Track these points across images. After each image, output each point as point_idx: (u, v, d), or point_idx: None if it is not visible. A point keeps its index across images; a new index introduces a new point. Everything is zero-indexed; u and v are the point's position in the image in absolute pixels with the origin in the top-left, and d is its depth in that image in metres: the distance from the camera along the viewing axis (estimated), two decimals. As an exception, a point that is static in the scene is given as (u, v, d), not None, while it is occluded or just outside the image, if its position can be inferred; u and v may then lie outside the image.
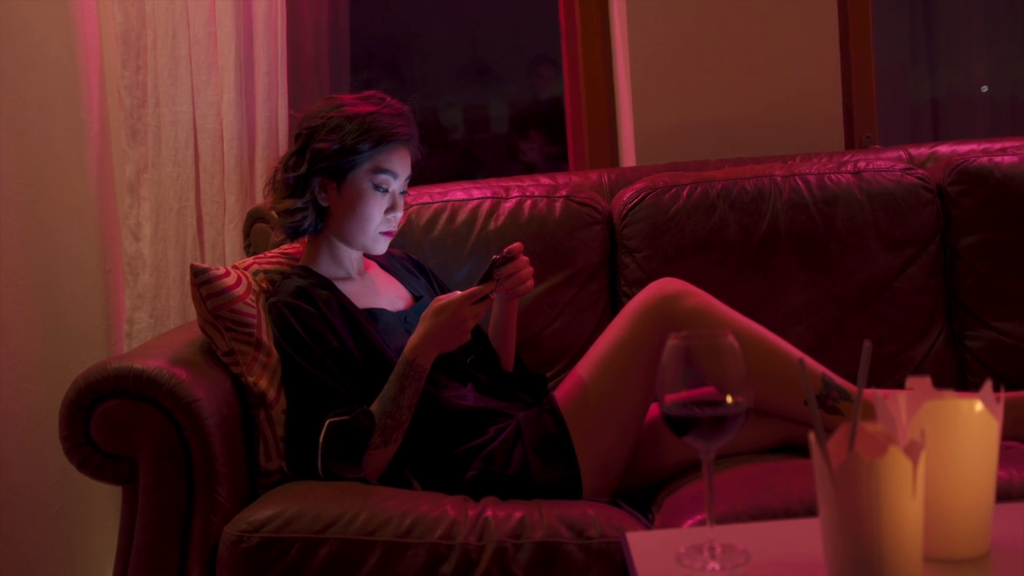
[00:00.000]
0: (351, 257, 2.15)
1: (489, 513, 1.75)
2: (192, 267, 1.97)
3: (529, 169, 4.43)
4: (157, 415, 1.80)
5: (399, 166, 2.09)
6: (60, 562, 2.52)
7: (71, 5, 2.63)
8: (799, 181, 2.42)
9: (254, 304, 1.99)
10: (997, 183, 2.37)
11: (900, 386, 2.17)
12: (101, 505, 2.66)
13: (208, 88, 2.69)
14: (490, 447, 1.93)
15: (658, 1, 2.83)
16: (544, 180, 2.56)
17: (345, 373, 1.96)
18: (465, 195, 2.50)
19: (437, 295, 2.23)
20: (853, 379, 1.85)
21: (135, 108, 2.70)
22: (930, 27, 4.23)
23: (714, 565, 1.20)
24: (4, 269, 2.35)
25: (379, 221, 2.09)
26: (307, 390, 1.95)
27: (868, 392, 1.82)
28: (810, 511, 1.60)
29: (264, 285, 2.10)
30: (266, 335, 1.98)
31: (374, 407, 1.93)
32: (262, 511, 1.76)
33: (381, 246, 2.13)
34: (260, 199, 2.72)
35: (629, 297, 2.29)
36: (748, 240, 2.37)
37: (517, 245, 2.02)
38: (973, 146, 2.50)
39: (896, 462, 1.05)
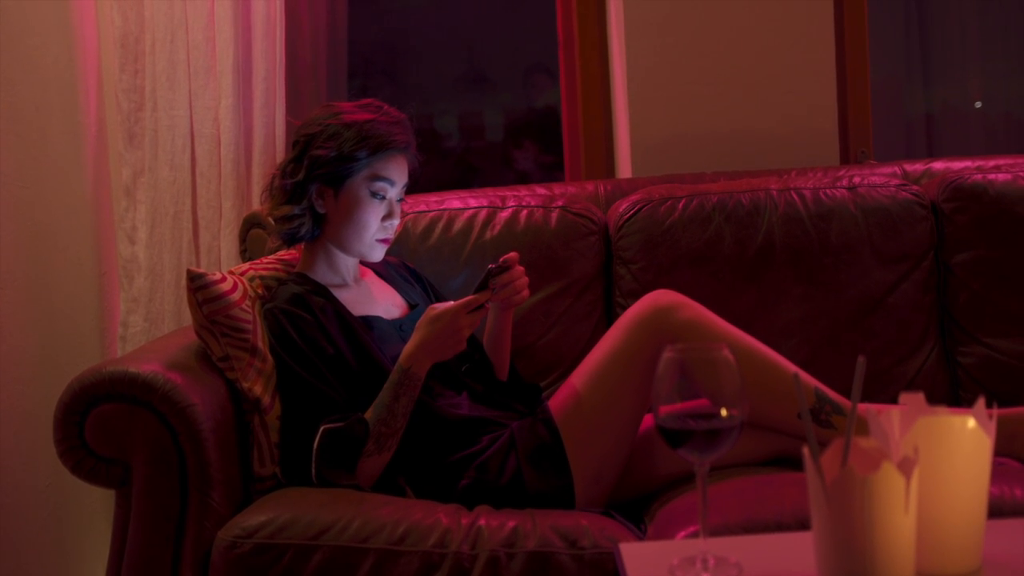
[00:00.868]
0: (347, 264, 2.15)
1: (482, 522, 1.75)
2: (188, 272, 1.97)
3: (523, 178, 4.44)
4: (152, 419, 1.80)
5: (396, 174, 2.10)
6: (52, 565, 2.52)
7: (70, 8, 2.63)
8: (794, 195, 2.43)
9: (250, 310, 1.99)
10: (991, 200, 2.38)
11: (893, 401, 2.18)
12: (94, 509, 2.66)
13: (206, 93, 2.70)
14: (483, 456, 1.94)
15: (656, 13, 2.85)
16: (540, 190, 2.57)
17: (340, 380, 1.96)
18: (461, 204, 2.50)
19: (432, 303, 2.23)
20: (846, 394, 1.86)
21: (132, 112, 2.70)
22: (925, 43, 4.25)
23: (706, 577, 1.21)
24: (0, 270, 2.35)
25: (376, 228, 2.10)
26: (302, 396, 1.95)
27: (861, 407, 1.82)
28: (803, 525, 1.60)
29: (260, 291, 2.10)
30: (261, 341, 1.98)
31: (368, 414, 1.93)
32: (256, 517, 1.76)
33: (378, 253, 2.13)
34: (256, 204, 2.72)
35: (624, 308, 2.30)
36: (743, 253, 2.38)
37: (513, 255, 2.03)
38: (968, 163, 2.52)
39: (889, 478, 1.06)
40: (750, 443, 1.96)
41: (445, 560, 1.69)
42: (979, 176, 2.41)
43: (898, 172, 2.58)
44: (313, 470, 1.90)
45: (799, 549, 1.23)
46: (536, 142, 4.56)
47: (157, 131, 2.70)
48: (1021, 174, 2.41)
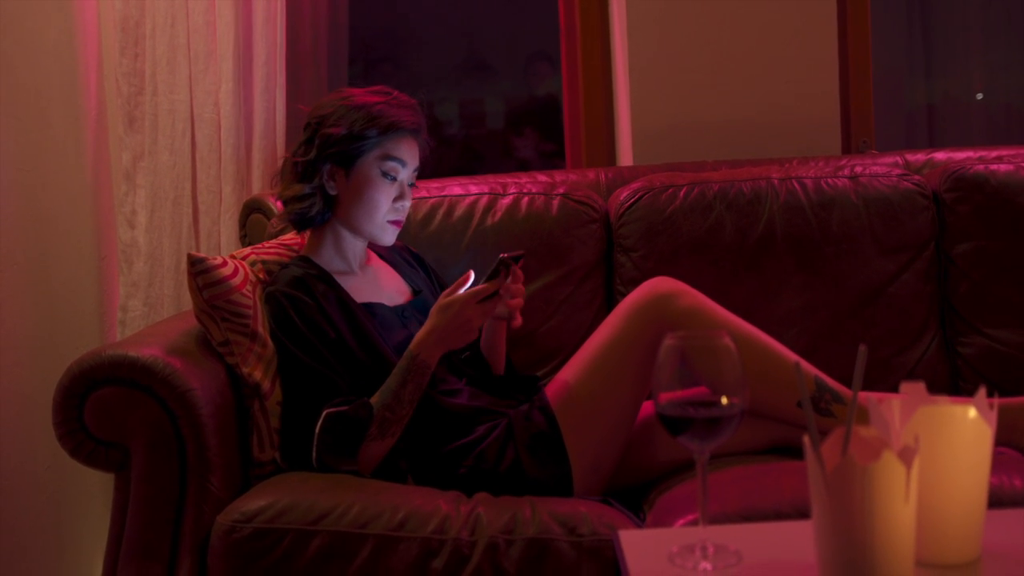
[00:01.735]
0: (355, 249, 2.15)
1: (481, 509, 1.75)
2: (189, 256, 1.96)
3: (523, 166, 4.43)
4: (151, 403, 1.79)
5: (407, 155, 2.09)
6: (51, 548, 2.52)
7: (70, -9, 2.63)
8: (796, 184, 2.42)
9: (251, 295, 1.99)
10: (993, 191, 2.38)
11: (893, 390, 2.18)
12: (92, 492, 2.66)
13: (206, 77, 2.69)
14: (481, 445, 1.94)
15: (658, 1, 2.84)
16: (541, 177, 2.56)
17: (342, 365, 1.96)
18: (462, 191, 2.50)
19: (435, 289, 2.23)
20: (846, 383, 1.86)
21: (132, 96, 2.70)
22: (927, 33, 4.24)
23: (706, 565, 1.21)
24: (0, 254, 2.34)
25: (387, 209, 2.09)
26: (303, 381, 1.95)
27: (862, 395, 1.82)
28: (801, 513, 1.60)
29: (262, 276, 2.10)
30: (261, 326, 1.97)
31: (374, 399, 1.93)
32: (255, 501, 1.76)
33: (389, 236, 2.13)
34: (256, 190, 2.71)
35: (624, 296, 2.29)
36: (744, 242, 2.37)
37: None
38: (969, 153, 2.51)
39: (890, 467, 1.06)
40: (748, 431, 1.96)
41: (444, 546, 1.69)
42: (981, 167, 2.41)
43: (900, 162, 2.57)
44: (314, 454, 1.90)
45: (799, 537, 1.24)
46: (537, 130, 4.55)
47: (157, 115, 2.70)
48: (1023, 165, 2.41)
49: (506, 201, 2.46)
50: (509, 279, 1.99)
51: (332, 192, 2.09)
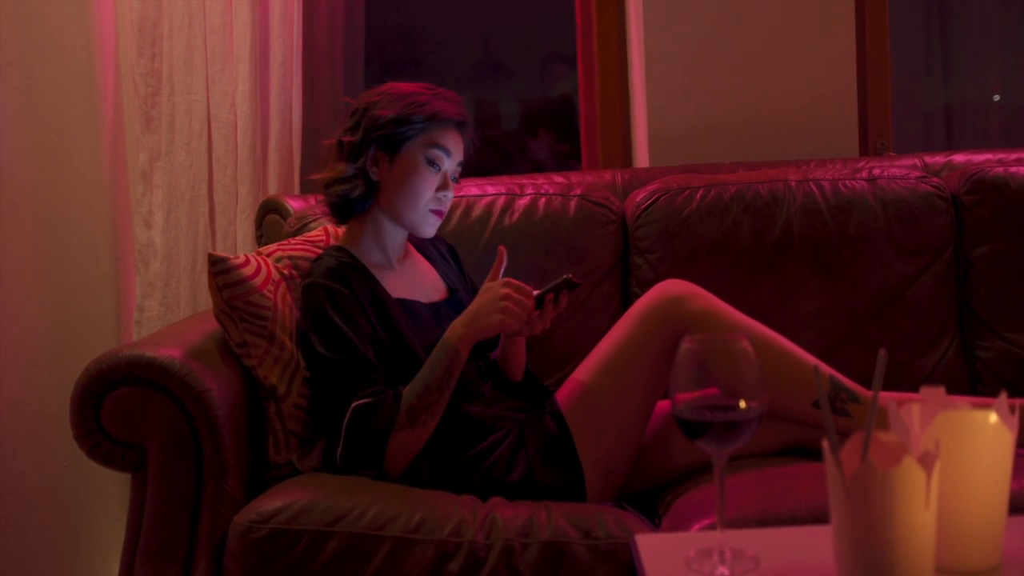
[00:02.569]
0: (394, 242, 2.12)
1: (497, 512, 1.75)
2: (209, 256, 1.95)
3: (538, 167, 4.43)
4: (168, 404, 1.80)
5: (452, 145, 2.08)
6: (66, 549, 2.53)
7: (88, -8, 2.63)
8: (813, 187, 2.42)
9: (272, 295, 1.98)
10: (1012, 193, 2.37)
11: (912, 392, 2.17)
12: (108, 492, 2.67)
13: (223, 78, 2.70)
14: (494, 454, 1.92)
15: (675, 1, 2.83)
16: (558, 178, 2.56)
17: (377, 359, 1.94)
18: (479, 191, 2.50)
19: (466, 284, 2.22)
20: (864, 385, 1.85)
21: (149, 96, 2.71)
22: (945, 35, 4.22)
23: (723, 570, 1.20)
24: (16, 254, 2.35)
25: (429, 198, 2.07)
26: (335, 376, 1.92)
27: (882, 398, 1.81)
28: (818, 518, 1.60)
29: (287, 272, 2.09)
30: (279, 328, 1.96)
31: (405, 389, 1.90)
32: (272, 502, 1.76)
33: (430, 226, 2.11)
34: (272, 190, 2.72)
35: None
36: (761, 244, 2.37)
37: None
38: (988, 155, 2.50)
39: (910, 472, 1.05)
40: (763, 432, 1.94)
41: (460, 549, 1.69)
42: (1000, 169, 2.40)
43: (918, 164, 2.56)
44: (339, 450, 1.88)
45: (817, 543, 1.23)
46: (552, 131, 4.54)
47: (174, 116, 2.70)
48: (1042, 168, 2.40)
49: (523, 201, 2.46)
50: (556, 302, 1.95)
51: (375, 178, 2.07)
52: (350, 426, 1.87)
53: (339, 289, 1.96)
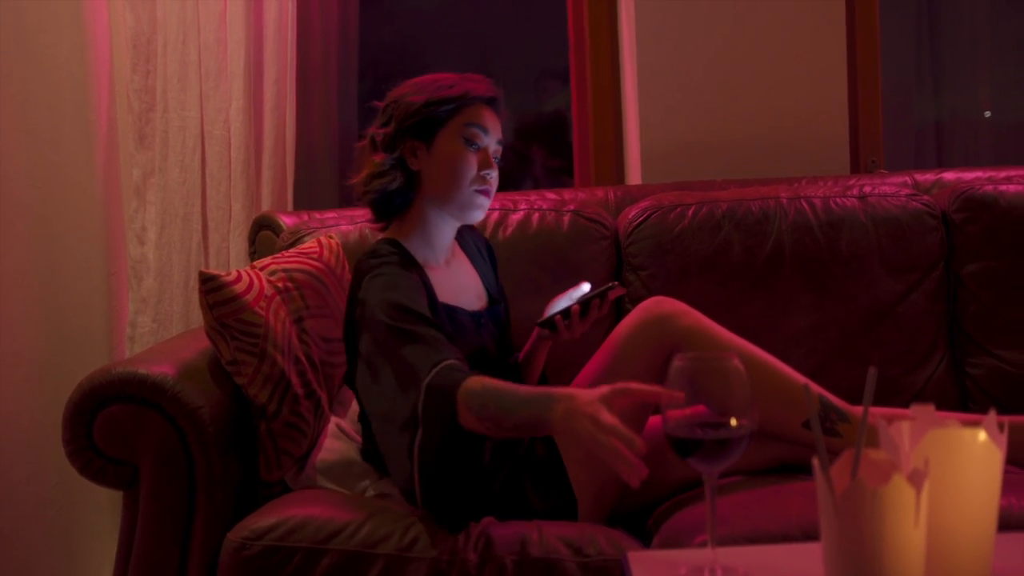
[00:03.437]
0: (443, 237, 2.06)
1: (490, 531, 1.75)
2: (201, 273, 1.94)
3: (534, 182, 4.43)
4: (160, 421, 1.80)
5: (488, 123, 2.01)
6: (58, 566, 2.52)
7: (82, 8, 2.64)
8: (804, 204, 2.43)
9: (264, 311, 1.96)
10: (1002, 211, 2.38)
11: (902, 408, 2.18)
12: (100, 509, 2.66)
13: (217, 94, 2.70)
14: (488, 478, 1.88)
15: (668, 19, 2.85)
16: (550, 195, 2.57)
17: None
18: (472, 207, 2.50)
19: (498, 284, 2.19)
20: (854, 402, 1.86)
21: (143, 112, 2.71)
22: (935, 52, 4.24)
23: (715, 587, 1.21)
24: (9, 269, 2.35)
25: (473, 177, 1.98)
26: (404, 357, 1.77)
27: (872, 416, 1.81)
28: (808, 536, 1.60)
29: (281, 285, 2.08)
30: (271, 345, 1.95)
31: (490, 381, 1.70)
32: (265, 519, 1.76)
33: (478, 208, 2.02)
34: (266, 206, 2.72)
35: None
36: (752, 261, 2.38)
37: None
38: (979, 173, 2.51)
39: (899, 490, 1.06)
40: (754, 450, 1.94)
41: (453, 567, 1.69)
42: (990, 187, 2.41)
43: (909, 182, 2.58)
44: (418, 437, 1.71)
45: (807, 560, 1.23)
46: (544, 146, 4.55)
47: (168, 132, 2.71)
48: (1032, 185, 2.41)
49: (517, 216, 2.47)
50: (600, 308, 1.96)
51: (414, 168, 2.00)
52: (438, 375, 1.71)
53: (404, 272, 1.89)
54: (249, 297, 1.96)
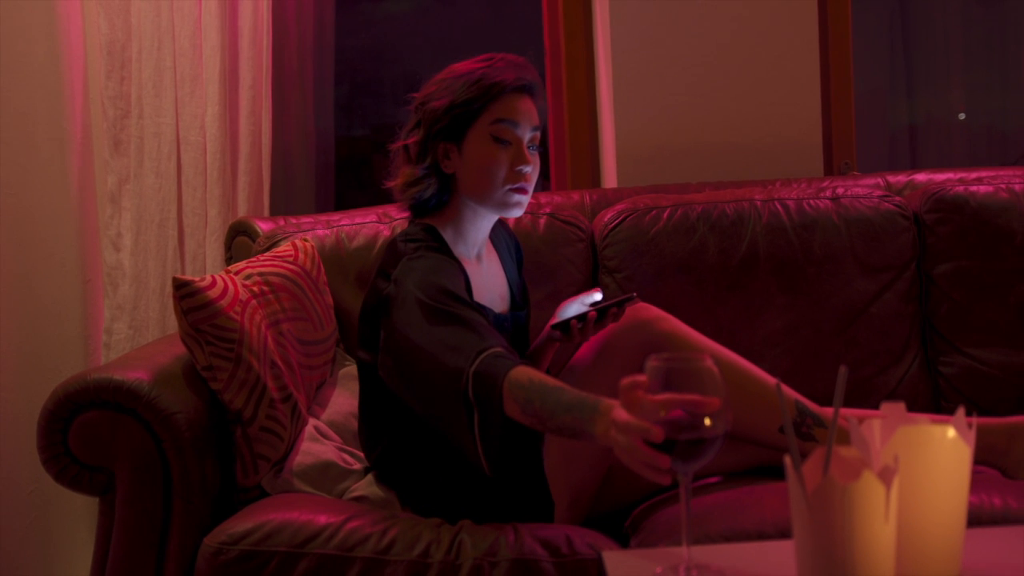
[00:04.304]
0: (478, 232, 2.03)
1: (466, 533, 1.75)
2: (174, 279, 1.93)
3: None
4: (136, 427, 1.79)
5: (519, 114, 1.95)
6: (35, 572, 2.51)
7: (56, 14, 2.63)
8: (778, 206, 2.44)
9: (238, 316, 1.95)
10: (973, 212, 2.40)
11: (875, 409, 2.19)
12: (77, 515, 2.65)
13: (192, 101, 2.70)
14: (465, 481, 1.88)
15: (642, 24, 2.86)
16: (526, 198, 2.57)
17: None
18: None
19: (521, 282, 2.18)
20: (829, 402, 1.87)
21: (118, 119, 2.70)
22: (909, 55, 4.27)
23: (689, 585, 1.22)
24: (-17, 277, 2.34)
25: (505, 174, 1.94)
26: (444, 339, 1.74)
27: (843, 416, 1.83)
28: (783, 534, 1.61)
29: (257, 289, 2.08)
30: (246, 350, 1.93)
31: (539, 376, 1.65)
32: (242, 524, 1.76)
33: (515, 205, 1.97)
34: (242, 212, 2.72)
35: (608, 317, 2.29)
36: (727, 263, 2.39)
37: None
38: (950, 175, 2.53)
39: (869, 487, 1.07)
40: (729, 454, 1.95)
41: (430, 569, 1.69)
42: (961, 188, 2.43)
43: (881, 183, 2.60)
44: (476, 418, 1.68)
45: (781, 557, 1.24)
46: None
47: (143, 138, 2.70)
48: (1002, 186, 2.43)
49: (492, 221, 2.47)
50: (611, 317, 1.95)
51: (448, 171, 1.97)
52: (483, 362, 1.68)
53: (444, 258, 1.87)
54: (224, 302, 1.95)
